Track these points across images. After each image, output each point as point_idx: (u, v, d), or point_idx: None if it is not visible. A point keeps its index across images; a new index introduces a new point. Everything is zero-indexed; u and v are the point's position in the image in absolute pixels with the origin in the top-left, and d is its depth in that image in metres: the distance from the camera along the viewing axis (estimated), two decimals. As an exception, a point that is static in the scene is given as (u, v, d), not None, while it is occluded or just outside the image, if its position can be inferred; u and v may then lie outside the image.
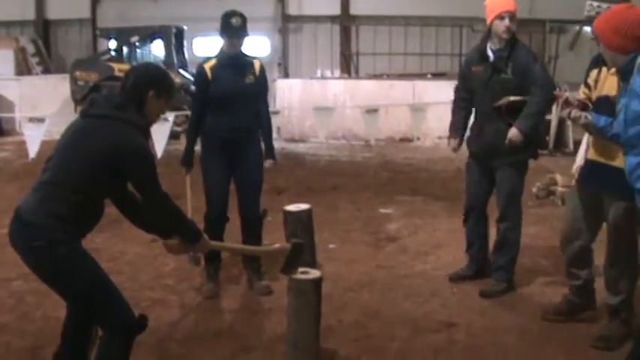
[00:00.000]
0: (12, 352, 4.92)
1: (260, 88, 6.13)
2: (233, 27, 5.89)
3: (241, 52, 6.04)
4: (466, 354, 4.92)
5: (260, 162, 6.16)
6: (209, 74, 5.98)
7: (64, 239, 3.67)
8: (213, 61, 6.02)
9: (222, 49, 6.05)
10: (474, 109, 6.15)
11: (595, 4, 4.93)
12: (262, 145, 6.22)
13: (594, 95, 4.88)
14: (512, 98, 5.61)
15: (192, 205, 6.85)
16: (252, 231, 6.16)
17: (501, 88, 5.63)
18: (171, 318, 5.54)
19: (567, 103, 4.90)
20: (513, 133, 5.61)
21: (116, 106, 3.81)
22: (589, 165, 5.00)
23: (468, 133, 6.23)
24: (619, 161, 4.66)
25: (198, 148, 6.15)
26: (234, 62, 5.99)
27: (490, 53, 5.84)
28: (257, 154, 6.16)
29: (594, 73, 4.96)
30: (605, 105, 4.63)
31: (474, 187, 6.16)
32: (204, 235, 4.15)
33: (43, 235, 3.64)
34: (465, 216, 6.29)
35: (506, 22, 5.71)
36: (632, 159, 4.09)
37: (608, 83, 4.75)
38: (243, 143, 6.05)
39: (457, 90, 6.24)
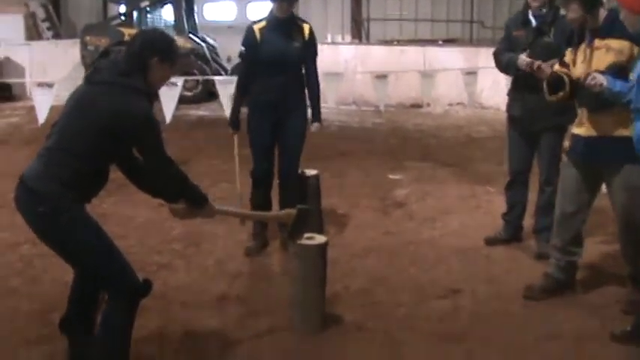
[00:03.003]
0: (20, 315, 4.98)
1: (308, 52, 6.17)
2: None
3: (292, 15, 6.09)
4: (471, 320, 4.94)
5: (303, 126, 6.22)
6: (258, 36, 6.03)
7: (68, 205, 3.68)
8: (262, 23, 6.08)
9: (271, 11, 6.08)
10: (512, 76, 6.19)
11: None
12: (308, 108, 6.30)
13: (579, 72, 4.82)
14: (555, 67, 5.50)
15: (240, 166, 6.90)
16: (289, 189, 6.19)
17: (544, 52, 5.61)
18: (177, 282, 5.57)
19: (540, 70, 5.02)
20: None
21: (120, 73, 3.79)
22: (586, 141, 4.90)
23: (507, 100, 6.27)
24: (619, 131, 4.65)
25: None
26: (283, 26, 6.03)
27: (532, 18, 5.93)
28: (301, 117, 6.21)
29: (569, 51, 5.02)
30: None
31: (517, 153, 6.22)
32: (209, 200, 4.16)
33: (47, 201, 3.65)
34: (510, 181, 6.33)
35: None
36: (641, 126, 4.08)
37: (595, 58, 4.76)
38: (289, 106, 6.10)
39: (497, 51, 6.17)
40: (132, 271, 3.91)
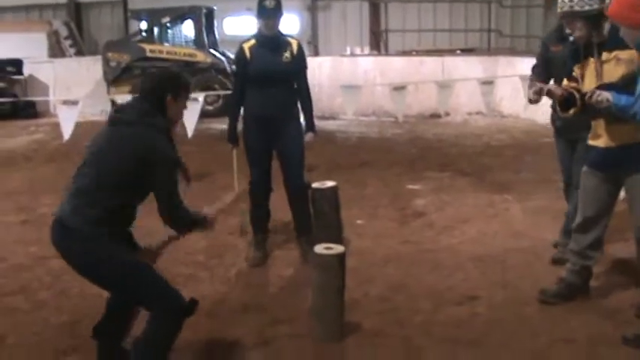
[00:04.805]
0: (50, 327, 5.15)
1: (298, 66, 6.32)
2: (266, 9, 6.11)
3: (278, 31, 6.25)
4: (487, 326, 5.02)
5: (300, 134, 6.35)
6: (247, 54, 6.21)
7: (102, 241, 3.88)
8: (252, 41, 6.26)
9: (259, 29, 6.26)
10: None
11: None
12: (302, 120, 6.44)
13: (588, 87, 4.89)
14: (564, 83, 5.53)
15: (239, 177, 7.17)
16: (298, 201, 6.34)
17: None
18: (201, 293, 5.64)
19: (550, 93, 5.10)
20: None
21: (144, 113, 4.00)
22: (605, 152, 4.96)
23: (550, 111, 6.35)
24: (637, 138, 4.73)
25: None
26: (270, 42, 6.21)
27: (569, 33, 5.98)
28: (296, 127, 6.35)
29: (577, 67, 5.08)
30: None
31: (564, 161, 6.30)
32: (206, 219, 4.27)
33: (82, 239, 3.86)
34: (565, 186, 6.39)
35: None
36: (648, 135, 4.17)
37: (606, 71, 4.83)
38: (282, 120, 6.24)
39: (535, 67, 6.31)
40: (176, 291, 4.06)
